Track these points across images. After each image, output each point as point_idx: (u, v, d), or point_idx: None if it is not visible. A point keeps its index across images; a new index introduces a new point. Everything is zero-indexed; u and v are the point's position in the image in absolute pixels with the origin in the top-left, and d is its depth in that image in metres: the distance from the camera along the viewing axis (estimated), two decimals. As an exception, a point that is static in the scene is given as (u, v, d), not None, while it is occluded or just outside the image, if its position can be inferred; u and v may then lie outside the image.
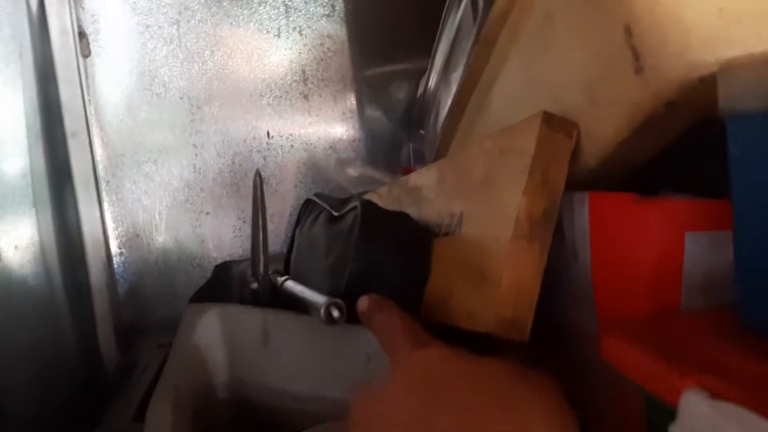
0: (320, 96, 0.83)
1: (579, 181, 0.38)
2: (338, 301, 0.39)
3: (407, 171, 0.78)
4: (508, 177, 0.37)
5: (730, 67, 0.27)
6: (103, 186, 0.78)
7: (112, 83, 0.78)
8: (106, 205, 0.78)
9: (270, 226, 0.82)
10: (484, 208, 0.39)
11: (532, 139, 0.36)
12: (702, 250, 0.32)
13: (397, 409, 0.24)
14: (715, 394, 0.23)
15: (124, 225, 0.80)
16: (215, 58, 0.80)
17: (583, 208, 0.36)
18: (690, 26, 0.28)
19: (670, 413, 0.25)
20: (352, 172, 0.70)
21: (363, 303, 0.38)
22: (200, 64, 0.80)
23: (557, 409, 0.25)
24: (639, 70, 0.30)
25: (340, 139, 0.84)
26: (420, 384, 0.25)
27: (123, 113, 0.79)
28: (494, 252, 0.36)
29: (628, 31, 0.30)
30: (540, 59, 0.39)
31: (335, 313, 0.39)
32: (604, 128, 0.34)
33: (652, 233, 0.33)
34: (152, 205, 0.80)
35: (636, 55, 0.30)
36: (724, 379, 0.24)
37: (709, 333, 0.28)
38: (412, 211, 0.53)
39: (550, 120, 0.36)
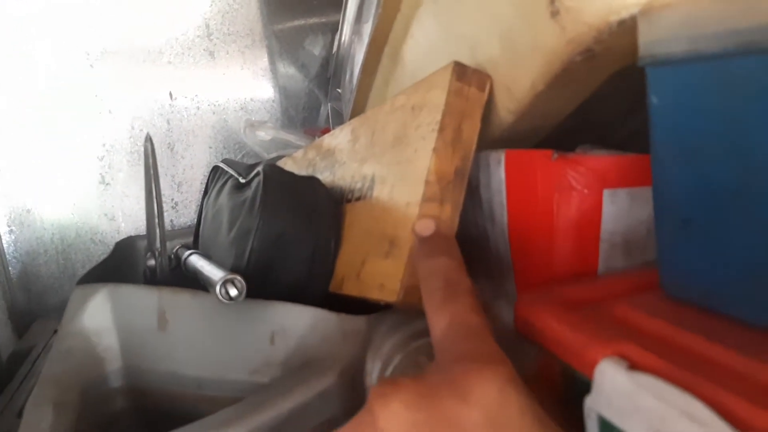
0: (227, 53, 0.76)
1: (495, 139, 0.35)
2: (236, 276, 0.35)
3: (326, 132, 0.74)
4: (418, 135, 0.34)
5: (650, 10, 0.24)
6: (-17, 156, 0.69)
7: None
8: (-12, 178, 0.70)
9: (178, 197, 0.76)
10: (396, 169, 0.36)
11: (443, 93, 0.33)
12: (621, 208, 0.31)
13: None
14: (633, 364, 0.22)
15: (12, 199, 0.71)
16: (108, 10, 0.72)
17: (499, 168, 0.34)
18: (607, -38, 0.26)
19: (586, 384, 0.23)
20: (264, 135, 0.65)
21: (425, 227, 0.30)
22: (91, 17, 0.71)
23: None
24: (554, 13, 0.27)
25: (251, 100, 0.78)
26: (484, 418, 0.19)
27: (1, 73, 0.69)
28: (404, 218, 0.33)
29: (543, -31, 0.27)
30: (454, 6, 0.36)
31: (232, 291, 0.35)
32: (519, 80, 0.31)
33: (569, 191, 0.31)
34: (44, 177, 0.72)
35: (551, -4, 0.27)
36: (644, 348, 0.22)
37: (629, 298, 0.26)
38: (326, 176, 0.49)
39: (461, 72, 0.33)
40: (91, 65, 0.72)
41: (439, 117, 0.32)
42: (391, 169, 0.37)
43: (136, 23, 0.73)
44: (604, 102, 0.34)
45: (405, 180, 0.34)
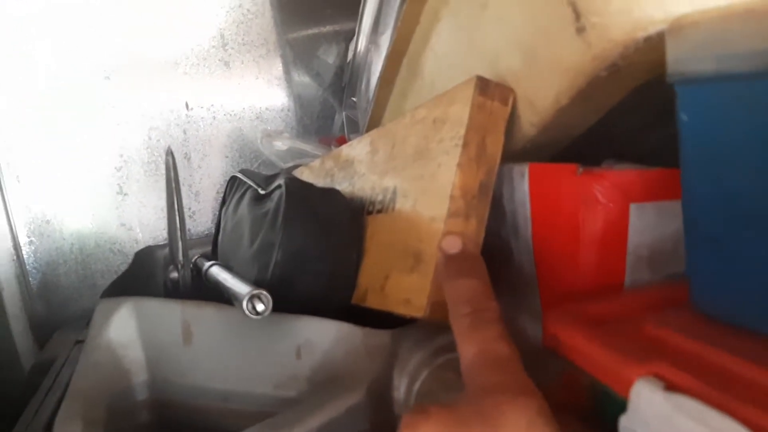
0: (242, 62, 0.77)
1: (516, 151, 0.35)
2: (262, 292, 0.36)
3: (342, 141, 0.74)
4: (441, 150, 0.34)
5: (679, 26, 0.24)
6: (3, 168, 0.70)
7: (6, 54, 0.69)
8: (8, 190, 0.70)
9: (195, 206, 0.77)
10: (419, 183, 0.36)
11: (465, 108, 0.33)
12: (647, 222, 0.31)
13: None
14: (669, 385, 0.22)
15: (32, 211, 0.72)
16: (122, 21, 0.73)
17: (522, 181, 0.34)
18: (634, -21, 0.26)
19: (621, 403, 0.23)
20: (280, 145, 0.65)
21: (451, 244, 0.30)
22: (106, 29, 0.72)
23: None
24: (580, 30, 0.27)
25: (267, 109, 0.78)
26: None
27: (23, 84, 0.70)
28: (429, 233, 0.33)
29: (567, -14, 0.27)
30: (474, 20, 0.36)
31: (259, 306, 0.35)
32: (543, 94, 0.31)
33: (595, 206, 0.31)
34: (62, 188, 0.73)
35: (577, 14, 0.27)
36: (679, 367, 0.22)
37: (659, 314, 0.26)
38: (345, 187, 0.49)
39: (484, 86, 0.33)
40: (107, 77, 0.73)
41: (462, 132, 0.32)
42: (414, 183, 0.37)
43: (151, 35, 0.74)
44: (627, 114, 0.34)
45: (428, 194, 0.34)
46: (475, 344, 0.24)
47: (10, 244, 0.70)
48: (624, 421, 0.23)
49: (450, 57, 0.40)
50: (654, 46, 0.26)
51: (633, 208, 0.30)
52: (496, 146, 0.33)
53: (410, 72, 0.45)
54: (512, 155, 0.35)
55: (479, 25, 0.35)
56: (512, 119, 0.34)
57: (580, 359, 0.25)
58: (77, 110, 0.72)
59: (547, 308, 0.34)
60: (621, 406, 0.23)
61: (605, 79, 0.29)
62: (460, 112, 0.33)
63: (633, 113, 0.34)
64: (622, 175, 0.30)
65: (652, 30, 0.26)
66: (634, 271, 0.31)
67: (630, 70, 0.28)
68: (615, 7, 0.26)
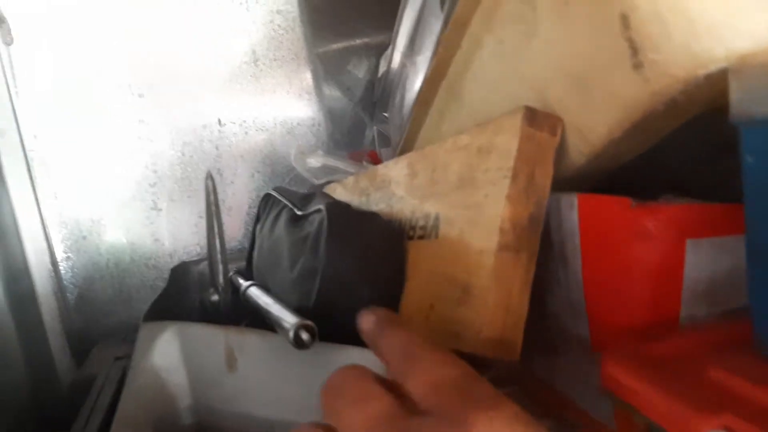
0: (273, 77, 0.77)
1: (562, 179, 0.35)
2: (308, 323, 0.35)
3: (373, 155, 0.74)
4: (488, 180, 0.34)
5: (742, 67, 0.23)
6: (39, 187, 0.71)
7: (42, 73, 0.71)
8: (45, 207, 0.72)
9: (227, 221, 0.77)
10: (464, 212, 0.36)
11: (514, 139, 0.32)
12: (704, 258, 0.30)
13: None
14: (739, 437, 0.21)
15: (68, 227, 0.73)
16: (155, 40, 0.73)
17: (571, 212, 0.33)
18: (695, 15, 0.25)
19: None
20: (314, 162, 0.65)
21: (366, 320, 0.28)
22: (139, 48, 0.73)
23: None
24: (638, 65, 0.27)
25: (298, 124, 0.78)
26: None
27: (56, 105, 0.71)
28: (478, 265, 0.33)
29: (625, 21, 0.26)
30: (521, 48, 0.35)
31: (305, 336, 0.35)
32: (595, 125, 0.31)
33: (650, 240, 0.30)
34: (98, 204, 0.74)
35: (634, 49, 0.26)
36: (745, 419, 0.21)
37: (721, 355, 0.26)
38: (382, 208, 0.49)
39: (532, 116, 0.33)
40: (140, 95, 0.74)
41: (510, 163, 0.32)
42: (459, 212, 0.36)
43: (184, 52, 0.75)
44: (681, 144, 0.34)
45: (476, 225, 0.34)
46: (421, 376, 0.22)
47: (47, 259, 0.71)
48: (691, 472, 0.22)
49: (493, 83, 0.39)
50: (715, 81, 0.26)
51: (689, 243, 0.29)
52: (545, 177, 0.33)
53: (450, 95, 0.45)
54: (557, 182, 0.35)
55: (526, 54, 0.35)
56: (560, 147, 0.34)
57: (643, 405, 0.25)
58: (111, 127, 0.74)
59: (597, 343, 0.33)
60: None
61: (661, 113, 0.28)
62: (508, 142, 0.33)
63: (687, 144, 0.33)
64: (678, 210, 0.29)
65: (713, 68, 0.25)
66: (690, 306, 0.31)
67: (689, 103, 0.27)
68: (674, 44, 0.26)
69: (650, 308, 0.31)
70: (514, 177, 0.32)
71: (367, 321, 0.28)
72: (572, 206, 0.33)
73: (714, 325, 0.30)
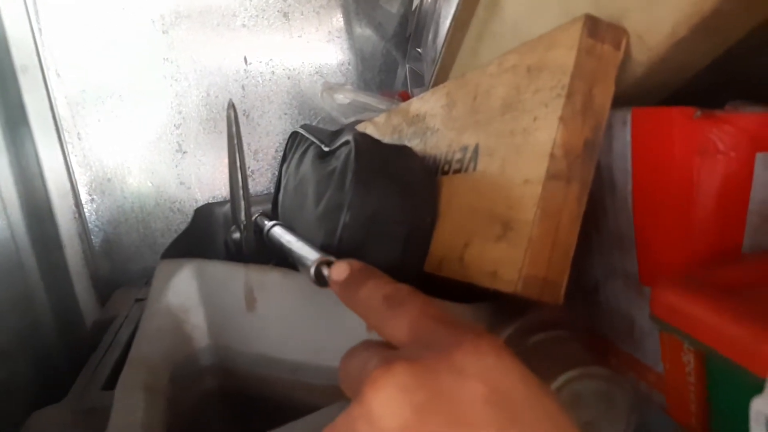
0: (302, 14, 0.73)
1: (618, 95, 0.30)
2: (331, 258, 0.32)
3: (405, 97, 0.70)
4: (538, 101, 0.30)
5: None
6: (64, 127, 0.69)
7: (65, 8, 0.68)
8: (69, 148, 0.70)
9: (254, 164, 0.75)
10: (508, 140, 0.32)
11: (571, 53, 0.28)
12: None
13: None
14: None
15: (93, 169, 0.72)
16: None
17: (624, 130, 0.29)
18: None
19: (752, 385, 0.19)
20: (342, 99, 0.61)
21: (340, 271, 0.26)
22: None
23: None
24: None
25: (326, 63, 0.74)
26: (493, 401, 0.17)
27: (80, 43, 0.69)
28: (522, 197, 0.29)
29: None
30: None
31: (327, 273, 0.32)
32: (656, 25, 0.27)
33: (714, 155, 0.26)
34: (122, 146, 0.72)
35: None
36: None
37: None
38: (415, 144, 0.45)
39: (593, 27, 0.28)
40: (164, 31, 0.71)
41: (566, 80, 0.28)
42: (501, 140, 0.32)
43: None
44: (751, 55, 0.29)
45: (521, 153, 0.30)
46: (404, 319, 0.21)
47: (71, 202, 0.70)
48: (759, 405, 0.19)
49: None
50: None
51: (759, 158, 0.25)
52: (605, 97, 0.28)
53: (488, 11, 0.40)
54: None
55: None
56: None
57: (704, 333, 0.21)
58: (135, 65, 0.71)
59: (647, 277, 0.29)
60: (751, 388, 0.19)
61: (732, 9, 0.24)
62: (564, 57, 0.28)
63: (759, 54, 0.29)
64: (748, 118, 0.25)
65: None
66: (755, 232, 0.26)
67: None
68: None
69: (710, 236, 0.27)
70: (570, 96, 0.28)
71: (340, 272, 0.26)
72: (625, 122, 0.29)
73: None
